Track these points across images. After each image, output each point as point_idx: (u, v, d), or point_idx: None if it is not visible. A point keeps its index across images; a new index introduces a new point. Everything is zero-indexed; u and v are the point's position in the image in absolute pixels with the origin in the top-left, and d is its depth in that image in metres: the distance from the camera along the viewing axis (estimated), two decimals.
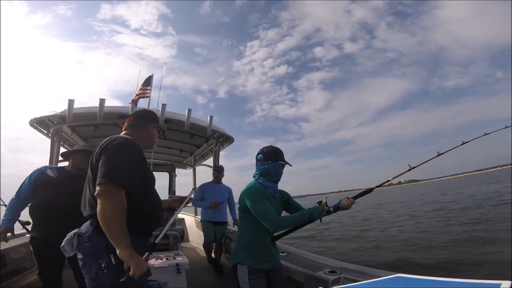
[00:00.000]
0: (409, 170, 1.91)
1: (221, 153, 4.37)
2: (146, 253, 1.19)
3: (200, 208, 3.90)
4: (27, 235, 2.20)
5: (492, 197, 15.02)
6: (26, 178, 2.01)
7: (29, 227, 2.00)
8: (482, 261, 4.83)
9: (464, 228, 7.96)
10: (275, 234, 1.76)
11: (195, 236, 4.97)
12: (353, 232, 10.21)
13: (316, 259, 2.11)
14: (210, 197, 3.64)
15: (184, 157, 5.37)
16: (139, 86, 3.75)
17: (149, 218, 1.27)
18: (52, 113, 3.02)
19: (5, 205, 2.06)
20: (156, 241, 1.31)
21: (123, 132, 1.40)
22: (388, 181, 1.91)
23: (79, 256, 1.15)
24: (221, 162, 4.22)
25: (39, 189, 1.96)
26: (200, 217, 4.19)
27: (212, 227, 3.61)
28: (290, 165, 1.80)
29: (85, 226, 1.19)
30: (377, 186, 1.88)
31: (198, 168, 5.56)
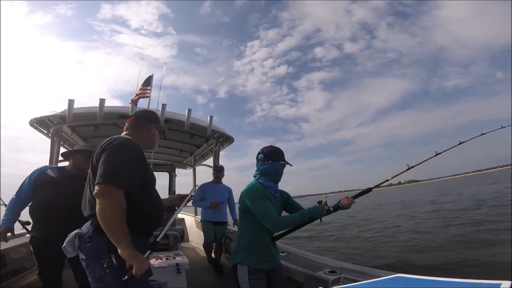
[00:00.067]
0: (407, 169, 1.92)
1: (221, 153, 4.37)
2: (148, 251, 1.19)
3: (200, 208, 3.90)
4: (27, 235, 2.19)
5: (492, 198, 15.01)
6: (26, 178, 2.00)
7: (29, 227, 2.00)
8: (482, 263, 4.81)
9: (463, 229, 7.94)
10: (275, 234, 1.77)
11: (195, 236, 4.97)
12: (353, 232, 10.21)
13: (316, 259, 2.12)
14: (210, 197, 3.63)
15: (184, 157, 5.37)
16: (139, 86, 3.75)
17: (149, 218, 1.27)
18: (52, 113, 3.02)
19: (5, 205, 2.06)
20: (157, 240, 1.31)
21: (124, 133, 1.40)
22: (387, 180, 1.92)
23: (82, 256, 1.15)
24: (221, 162, 4.22)
25: (39, 189, 1.95)
26: (200, 217, 4.19)
27: (212, 227, 3.61)
28: (291, 165, 1.80)
29: (86, 227, 1.19)
30: (376, 186, 1.88)
31: (198, 168, 5.57)
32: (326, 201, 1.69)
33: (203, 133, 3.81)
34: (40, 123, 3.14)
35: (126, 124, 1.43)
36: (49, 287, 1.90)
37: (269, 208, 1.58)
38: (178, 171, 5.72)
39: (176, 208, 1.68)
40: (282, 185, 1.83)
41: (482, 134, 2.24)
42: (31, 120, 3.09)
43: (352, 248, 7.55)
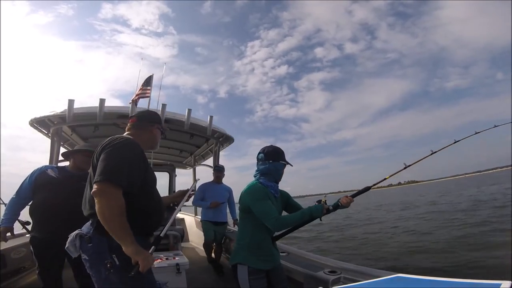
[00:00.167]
0: (404, 168, 1.95)
1: (221, 153, 4.37)
2: (152, 247, 1.20)
3: (200, 208, 3.90)
4: (27, 235, 2.19)
5: (492, 198, 15.00)
6: (27, 178, 2.00)
7: (29, 227, 2.00)
8: (482, 266, 4.80)
9: (464, 230, 7.94)
10: (275, 234, 1.77)
11: (195, 236, 4.97)
12: (353, 233, 10.21)
13: (316, 259, 2.11)
14: (210, 197, 3.63)
15: (184, 157, 5.37)
16: (139, 86, 3.75)
17: (150, 218, 1.27)
18: (52, 113, 3.02)
19: (5, 204, 2.06)
20: (161, 235, 1.31)
21: (126, 133, 1.40)
22: (385, 179, 1.93)
23: (84, 257, 1.15)
24: (221, 162, 4.23)
25: (39, 189, 1.95)
26: (200, 217, 4.19)
27: (213, 227, 3.61)
28: (291, 165, 1.80)
29: (86, 227, 1.19)
30: (374, 184, 1.89)
31: (198, 168, 5.57)
32: (325, 200, 1.70)
33: (203, 133, 3.82)
34: (40, 123, 3.14)
35: (128, 124, 1.43)
36: (49, 287, 1.90)
37: (270, 207, 1.58)
38: (178, 171, 5.73)
39: (176, 207, 1.68)
40: (282, 185, 1.84)
41: (477, 133, 2.27)
42: (31, 120, 3.09)
43: (352, 249, 7.55)
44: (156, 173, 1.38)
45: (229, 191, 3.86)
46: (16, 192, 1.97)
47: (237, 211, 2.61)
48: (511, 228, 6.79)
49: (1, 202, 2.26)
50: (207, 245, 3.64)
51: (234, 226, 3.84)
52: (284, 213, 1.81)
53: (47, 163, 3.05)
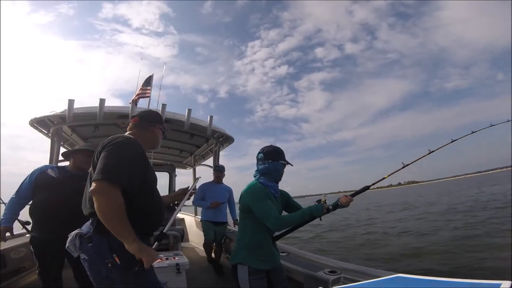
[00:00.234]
0: (402, 168, 1.96)
1: (221, 153, 4.37)
2: (156, 242, 1.20)
3: (200, 208, 3.90)
4: (27, 235, 2.19)
5: (492, 199, 14.99)
6: (27, 177, 2.00)
7: (29, 227, 1.99)
8: (482, 267, 4.79)
9: (464, 230, 7.93)
10: (275, 234, 1.77)
11: (195, 236, 4.97)
12: (353, 232, 10.21)
13: (316, 259, 2.11)
14: (211, 197, 3.63)
15: (184, 157, 5.37)
16: (139, 85, 3.76)
17: (150, 217, 1.26)
18: (52, 113, 3.02)
19: (5, 204, 2.05)
20: (164, 231, 1.31)
21: (128, 132, 1.40)
22: (383, 178, 1.95)
23: (84, 257, 1.14)
24: (221, 162, 4.23)
25: (39, 189, 1.95)
26: (200, 217, 4.19)
27: (213, 227, 3.61)
28: (291, 165, 1.80)
29: (86, 226, 1.18)
30: (373, 184, 1.91)
31: (198, 168, 5.57)
32: (325, 200, 1.71)
33: (203, 133, 3.82)
34: (40, 123, 3.14)
35: (130, 124, 1.43)
36: (49, 287, 1.90)
37: (270, 207, 1.58)
38: (178, 171, 5.73)
39: (176, 207, 1.68)
40: (282, 185, 1.84)
41: (473, 132, 2.30)
42: (31, 120, 3.09)
43: (352, 249, 7.55)
44: (156, 173, 1.38)
45: (229, 191, 3.86)
46: (16, 191, 1.97)
47: (237, 211, 2.61)
48: (511, 229, 6.78)
49: (1, 201, 2.26)
50: (207, 245, 3.64)
51: (234, 226, 3.84)
52: (284, 213, 1.81)
53: (47, 163, 3.04)
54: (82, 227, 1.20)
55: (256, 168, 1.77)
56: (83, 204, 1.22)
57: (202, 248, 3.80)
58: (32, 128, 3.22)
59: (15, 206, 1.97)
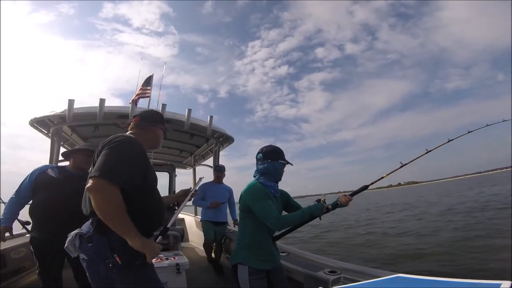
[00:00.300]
0: (400, 167, 1.98)
1: (221, 153, 4.38)
2: (159, 237, 1.20)
3: (200, 208, 3.90)
4: (27, 235, 2.18)
5: (492, 199, 14.98)
6: (27, 177, 2.00)
7: (29, 227, 1.99)
8: (483, 268, 4.78)
9: (463, 232, 7.91)
10: (276, 234, 1.77)
11: (195, 236, 4.97)
12: (353, 232, 10.20)
13: (316, 259, 2.11)
14: (211, 197, 3.63)
15: (184, 157, 5.37)
16: (140, 85, 3.76)
17: (150, 217, 1.26)
18: (52, 113, 3.02)
19: (5, 204, 2.05)
20: (167, 226, 1.31)
21: (129, 132, 1.40)
22: (382, 177, 1.96)
23: (83, 256, 1.14)
24: (221, 162, 4.23)
25: (39, 189, 1.95)
26: (200, 217, 4.19)
27: (213, 227, 3.61)
28: (291, 164, 1.80)
29: (86, 226, 1.18)
30: (371, 183, 1.92)
31: (198, 168, 5.57)
32: (324, 199, 1.71)
33: (203, 133, 3.82)
34: (40, 123, 3.14)
35: (131, 124, 1.43)
36: (49, 287, 1.90)
37: (270, 207, 1.58)
38: (178, 171, 5.72)
39: (176, 207, 1.68)
40: (282, 185, 1.84)
41: (469, 132, 2.31)
42: (31, 120, 3.09)
43: (352, 249, 7.54)
44: (156, 173, 1.38)
45: (229, 191, 3.86)
46: (16, 191, 1.96)
47: (237, 211, 2.62)
48: (511, 230, 6.78)
49: (1, 201, 2.26)
50: (207, 245, 3.64)
51: (234, 226, 3.84)
52: (284, 213, 1.81)
53: (47, 163, 3.04)
54: (82, 227, 1.19)
55: (255, 168, 1.77)
56: (83, 204, 1.22)
57: (202, 248, 3.80)
58: (32, 128, 3.22)
59: (14, 206, 1.97)
